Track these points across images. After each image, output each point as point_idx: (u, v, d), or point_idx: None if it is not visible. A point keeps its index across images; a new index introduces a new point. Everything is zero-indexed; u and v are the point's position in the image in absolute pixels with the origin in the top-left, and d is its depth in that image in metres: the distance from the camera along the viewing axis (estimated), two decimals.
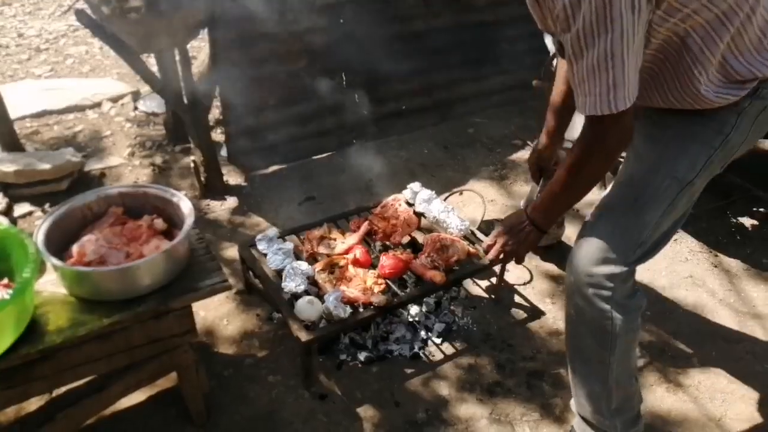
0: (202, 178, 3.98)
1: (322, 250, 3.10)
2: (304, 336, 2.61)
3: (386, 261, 2.97)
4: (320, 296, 2.81)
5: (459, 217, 3.31)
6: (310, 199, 4.07)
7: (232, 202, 3.99)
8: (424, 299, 3.15)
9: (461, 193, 3.85)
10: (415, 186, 3.48)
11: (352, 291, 2.81)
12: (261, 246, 3.05)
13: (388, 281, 2.96)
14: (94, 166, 4.19)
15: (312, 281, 2.89)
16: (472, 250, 3.16)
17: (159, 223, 2.46)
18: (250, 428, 2.59)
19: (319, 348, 2.93)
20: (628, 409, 2.16)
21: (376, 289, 2.87)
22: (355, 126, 4.60)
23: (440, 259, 3.01)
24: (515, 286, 3.42)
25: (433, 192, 3.44)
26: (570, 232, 3.66)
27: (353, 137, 4.64)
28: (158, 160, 4.31)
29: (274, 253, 2.98)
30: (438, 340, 3.04)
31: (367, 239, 3.25)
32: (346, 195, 4.12)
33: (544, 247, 3.60)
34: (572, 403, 2.39)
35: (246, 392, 2.74)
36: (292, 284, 2.82)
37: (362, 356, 2.91)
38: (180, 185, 4.11)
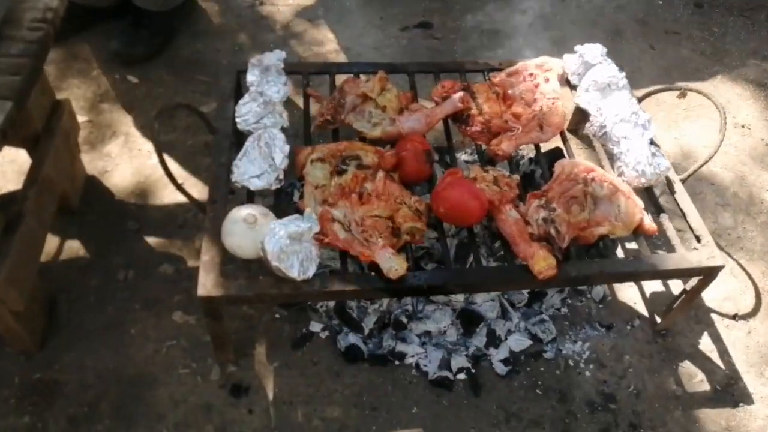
0: None
1: (353, 120, 1.59)
2: (206, 286, 1.25)
3: (451, 189, 1.40)
4: (298, 210, 1.39)
5: (654, 145, 1.55)
6: (423, 26, 2.44)
7: None
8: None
9: (684, 94, 1.94)
10: (588, 51, 1.71)
11: (351, 226, 1.33)
12: (250, 77, 1.61)
13: (439, 226, 1.43)
14: None
15: (292, 177, 1.45)
16: (648, 224, 1.45)
17: None
18: (97, 386, 1.43)
19: None
20: None
21: (404, 236, 1.36)
22: None
23: (568, 223, 1.36)
24: (714, 314, 1.68)
25: (623, 74, 1.66)
26: None
27: None
28: None
29: (253, 98, 1.54)
30: (503, 368, 1.51)
31: (450, 123, 1.66)
32: (481, 38, 2.42)
33: None
34: None
35: (127, 326, 1.54)
36: (248, 169, 1.41)
37: (344, 342, 1.51)
38: None
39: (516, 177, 1.50)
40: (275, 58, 1.62)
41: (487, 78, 1.76)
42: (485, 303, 1.57)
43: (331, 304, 1.55)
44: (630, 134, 1.54)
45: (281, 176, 1.41)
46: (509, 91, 1.70)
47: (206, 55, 2.25)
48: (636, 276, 1.44)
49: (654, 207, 1.54)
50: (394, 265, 1.27)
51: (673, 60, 2.43)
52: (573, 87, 1.74)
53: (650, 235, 1.46)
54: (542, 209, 1.38)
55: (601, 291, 1.66)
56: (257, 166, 1.41)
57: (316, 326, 1.55)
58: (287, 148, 1.42)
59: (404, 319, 1.53)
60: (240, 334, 1.53)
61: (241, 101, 1.53)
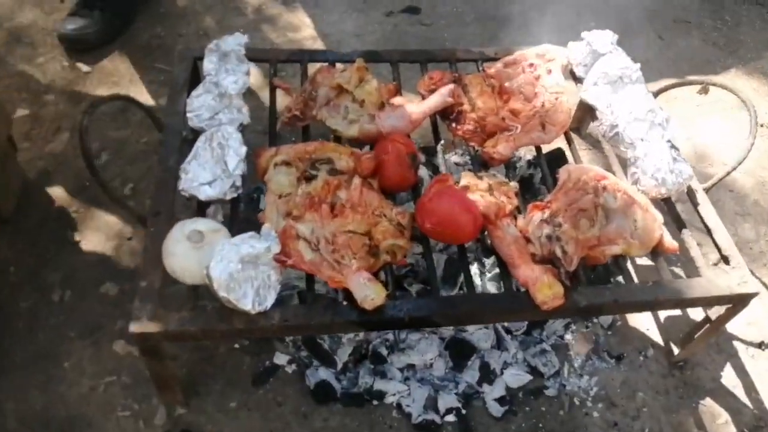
0: None
1: (326, 116, 1.36)
2: (141, 320, 1.03)
3: (439, 200, 1.18)
4: (258, 224, 1.16)
5: (673, 149, 1.33)
6: (410, 11, 2.22)
7: None
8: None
9: (706, 89, 1.72)
10: (597, 38, 1.49)
11: (320, 244, 1.11)
12: (207, 64, 1.38)
13: (424, 239, 1.21)
14: None
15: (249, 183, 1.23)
16: (669, 242, 1.24)
17: None
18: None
19: None
20: None
21: (383, 255, 1.14)
22: None
23: (576, 240, 1.15)
24: (737, 342, 1.47)
25: (637, 66, 1.44)
26: None
27: None
28: None
29: (207, 89, 1.31)
30: (498, 409, 1.30)
31: (439, 119, 1.44)
32: (474, 24, 2.20)
33: None
34: None
35: (60, 358, 1.31)
36: (198, 174, 1.18)
37: (313, 378, 1.29)
38: None
39: (515, 185, 1.28)
40: (235, 42, 1.39)
41: (481, 69, 1.54)
42: (478, 331, 1.36)
43: None
44: (647, 136, 1.33)
45: (238, 183, 1.19)
46: (506, 84, 1.47)
47: (167, 40, 2.01)
48: (656, 305, 1.23)
49: (673, 220, 1.33)
50: (369, 293, 1.06)
51: (683, 51, 2.22)
52: (579, 80, 1.52)
53: (670, 254, 1.25)
54: (546, 224, 1.17)
55: (609, 318, 1.45)
56: (209, 171, 1.18)
57: (281, 358, 1.33)
58: (243, 150, 1.20)
59: (384, 351, 1.31)
60: (191, 367, 1.31)
61: (193, 93, 1.31)
